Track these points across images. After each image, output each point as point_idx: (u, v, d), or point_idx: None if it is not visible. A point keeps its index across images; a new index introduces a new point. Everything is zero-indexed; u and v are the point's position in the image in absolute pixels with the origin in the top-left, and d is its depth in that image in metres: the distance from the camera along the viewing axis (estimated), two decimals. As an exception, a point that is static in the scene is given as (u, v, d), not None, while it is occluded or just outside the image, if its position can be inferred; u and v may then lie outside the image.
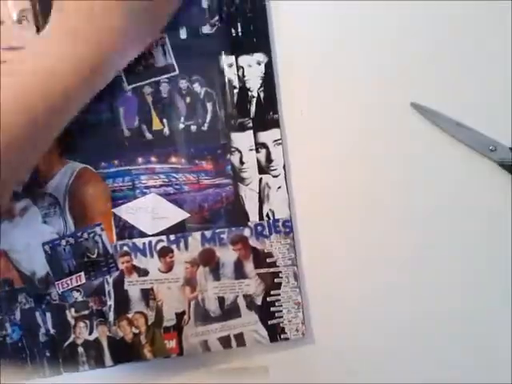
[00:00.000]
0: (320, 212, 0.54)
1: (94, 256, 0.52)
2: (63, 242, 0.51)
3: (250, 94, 0.53)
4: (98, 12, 0.44)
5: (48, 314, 0.51)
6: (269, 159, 0.53)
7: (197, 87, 0.52)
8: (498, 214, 0.52)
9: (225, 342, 0.53)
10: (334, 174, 0.53)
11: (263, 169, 0.53)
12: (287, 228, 0.53)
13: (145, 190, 0.52)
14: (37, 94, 0.42)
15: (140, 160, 0.52)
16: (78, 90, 0.45)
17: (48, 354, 0.51)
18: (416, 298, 0.53)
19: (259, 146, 0.53)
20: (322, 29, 0.53)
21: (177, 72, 0.52)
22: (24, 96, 0.42)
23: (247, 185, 0.53)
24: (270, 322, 0.53)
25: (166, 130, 0.52)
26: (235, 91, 0.53)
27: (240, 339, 0.53)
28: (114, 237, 0.52)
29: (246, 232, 0.53)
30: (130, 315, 0.52)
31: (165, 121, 0.52)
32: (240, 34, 0.52)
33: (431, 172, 0.52)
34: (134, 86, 0.52)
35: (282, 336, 0.53)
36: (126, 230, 0.52)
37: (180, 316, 0.52)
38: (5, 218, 0.51)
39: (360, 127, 0.53)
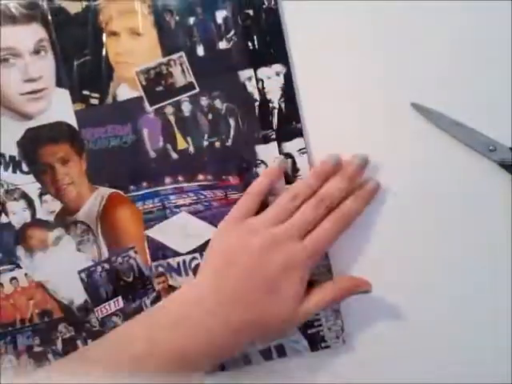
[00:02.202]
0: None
1: (130, 279, 0.52)
2: (99, 268, 0.52)
3: (271, 105, 0.53)
4: None
5: (89, 342, 0.52)
6: (295, 169, 0.53)
7: (218, 103, 0.53)
8: (497, 214, 0.52)
9: (266, 354, 0.53)
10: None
11: (290, 179, 0.53)
12: (319, 236, 0.53)
13: (175, 210, 0.53)
14: None
15: (168, 180, 0.53)
16: None
17: (92, 381, 0.51)
18: (417, 302, 0.53)
19: (284, 156, 0.53)
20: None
21: (197, 90, 0.52)
22: None
23: (275, 196, 0.53)
24: (309, 331, 0.53)
25: (191, 149, 0.53)
26: (256, 104, 0.53)
27: (281, 350, 0.53)
28: (149, 258, 0.52)
29: (278, 243, 0.53)
30: (170, 335, 0.52)
31: (189, 139, 0.53)
32: (257, 46, 0.52)
33: (431, 172, 0.52)
34: (155, 107, 0.52)
35: (323, 344, 0.53)
36: (160, 251, 0.52)
37: (220, 332, 0.52)
38: (39, 248, 0.51)
39: (360, 127, 0.53)
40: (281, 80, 0.53)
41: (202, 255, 0.53)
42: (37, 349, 0.51)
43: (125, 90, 0.52)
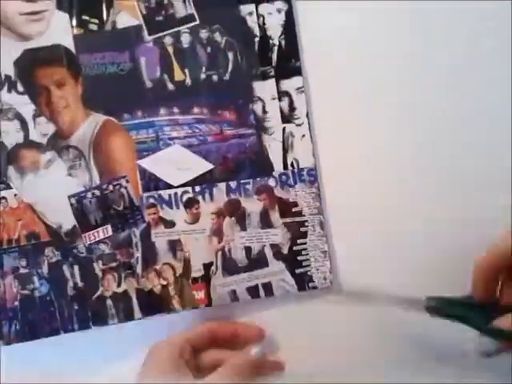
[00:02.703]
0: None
1: (121, 208, 0.52)
2: (89, 195, 0.51)
3: (271, 42, 0.53)
4: None
5: (76, 267, 0.51)
6: (292, 108, 0.53)
7: (217, 37, 0.52)
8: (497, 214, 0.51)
9: (253, 291, 0.52)
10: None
11: (286, 117, 0.53)
12: (312, 177, 0.53)
13: (169, 142, 0.52)
14: None
15: (163, 111, 0.52)
16: None
17: (76, 308, 0.51)
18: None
19: (282, 94, 0.53)
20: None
21: (197, 22, 0.52)
22: None
23: (271, 134, 0.53)
24: (297, 271, 0.52)
25: (188, 81, 0.52)
26: (256, 40, 0.53)
27: (268, 289, 0.52)
28: (140, 189, 0.52)
29: (271, 182, 0.53)
30: (157, 267, 0.52)
31: (186, 71, 0.52)
32: (259, -19, 0.52)
33: (431, 171, 0.52)
34: (154, 36, 0.52)
35: (310, 285, 0.52)
36: (152, 182, 0.52)
37: (208, 267, 0.52)
38: (30, 170, 0.51)
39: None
40: (282, 17, 0.53)
41: (194, 189, 0.52)
42: (22, 270, 0.51)
43: (124, 18, 0.52)
